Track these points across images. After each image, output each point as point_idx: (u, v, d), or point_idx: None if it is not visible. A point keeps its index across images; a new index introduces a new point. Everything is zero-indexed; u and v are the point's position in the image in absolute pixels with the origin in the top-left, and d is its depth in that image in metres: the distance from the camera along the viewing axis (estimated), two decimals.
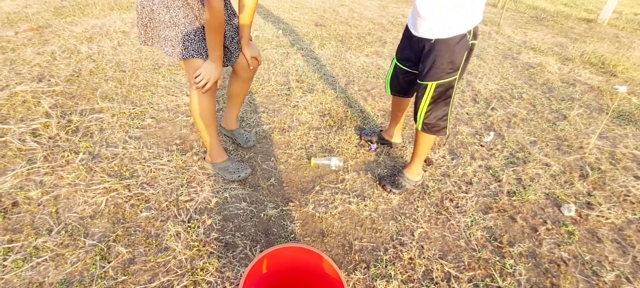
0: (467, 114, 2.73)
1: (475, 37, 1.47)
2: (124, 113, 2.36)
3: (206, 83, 1.55)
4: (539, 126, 2.60)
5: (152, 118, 2.34)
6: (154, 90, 2.71)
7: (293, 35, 4.40)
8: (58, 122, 2.19)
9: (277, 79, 3.11)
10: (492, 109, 2.82)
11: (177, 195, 1.75)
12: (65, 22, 4.18)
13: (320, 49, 3.97)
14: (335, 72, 3.36)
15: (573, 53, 4.41)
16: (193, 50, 1.52)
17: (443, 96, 1.55)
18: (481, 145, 2.31)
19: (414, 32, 1.60)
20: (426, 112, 1.60)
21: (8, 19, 4.16)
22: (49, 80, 2.69)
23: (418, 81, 1.60)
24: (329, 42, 4.23)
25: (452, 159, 2.16)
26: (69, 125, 2.18)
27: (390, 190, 1.84)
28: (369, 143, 2.26)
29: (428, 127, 1.65)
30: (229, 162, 1.90)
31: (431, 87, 1.53)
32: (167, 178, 1.84)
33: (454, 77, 1.50)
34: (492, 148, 2.29)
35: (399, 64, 1.79)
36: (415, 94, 1.67)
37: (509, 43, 4.81)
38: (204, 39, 1.55)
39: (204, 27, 1.55)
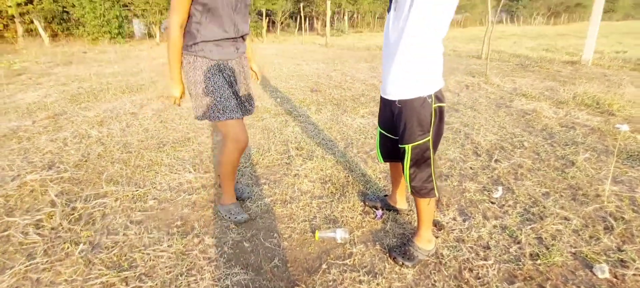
0: (470, 168, 2.66)
1: (439, 100, 1.56)
2: (127, 196, 2.34)
3: (174, 101, 1.82)
4: (548, 175, 2.52)
5: (154, 199, 2.31)
6: (157, 169, 2.72)
7: (290, 103, 4.48)
8: (62, 211, 2.17)
9: (276, 148, 3.09)
10: (496, 161, 2.75)
11: (176, 286, 1.61)
12: (80, 108, 4.33)
13: (317, 114, 4.01)
14: (333, 136, 3.35)
15: (565, 96, 4.46)
16: (219, 113, 1.78)
17: (422, 158, 1.60)
18: (492, 202, 2.21)
19: (382, 94, 1.71)
20: (410, 175, 1.64)
21: (28, 109, 4.34)
22: (58, 167, 2.74)
23: (398, 145, 1.66)
24: (325, 107, 4.28)
25: (464, 221, 2.04)
26: (73, 213, 2.15)
27: (402, 263, 1.71)
28: (374, 209, 2.17)
29: (416, 191, 1.66)
30: (233, 206, 2.08)
31: (408, 149, 1.59)
32: (166, 267, 1.72)
33: (427, 139, 1.57)
34: (503, 205, 2.18)
35: (382, 131, 1.85)
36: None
37: (499, 92, 4.89)
38: (236, 105, 1.83)
39: (235, 91, 1.87)
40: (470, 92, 4.91)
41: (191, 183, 2.50)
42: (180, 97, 1.82)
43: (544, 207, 2.13)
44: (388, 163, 2.09)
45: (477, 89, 5.07)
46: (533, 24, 39.13)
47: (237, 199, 2.28)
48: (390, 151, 1.86)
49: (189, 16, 1.67)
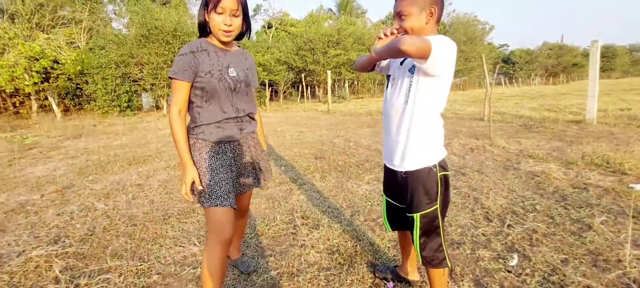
0: (483, 234, 2.56)
1: (444, 169, 1.58)
2: (131, 271, 2.28)
3: (185, 193, 1.63)
4: (565, 240, 2.41)
5: (158, 274, 2.24)
6: (162, 242, 2.67)
7: (294, 171, 4.49)
8: None
9: (282, 217, 3.04)
10: (509, 226, 2.66)
11: None
12: (87, 181, 4.38)
13: (322, 182, 4.00)
14: (339, 204, 3.31)
15: (573, 156, 4.42)
16: (213, 199, 1.63)
17: (431, 227, 1.58)
18: (508, 271, 2.09)
19: (387, 164, 1.72)
20: (421, 245, 1.61)
21: (37, 182, 4.41)
22: (64, 242, 2.72)
23: (406, 214, 1.64)
24: (330, 174, 4.28)
25: None
26: None
27: None
28: (385, 281, 2.06)
29: (428, 261, 1.62)
30: None
31: (417, 218, 1.58)
32: None
33: (435, 207, 1.56)
34: (520, 274, 2.06)
35: (388, 199, 1.85)
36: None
37: (505, 154, 4.88)
38: (227, 192, 1.66)
39: (235, 173, 1.77)
40: (476, 155, 4.91)
41: (196, 257, 2.43)
42: (193, 183, 1.64)
43: (564, 275, 2.01)
44: (396, 232, 2.03)
45: (483, 152, 5.07)
46: (532, 85, 40.20)
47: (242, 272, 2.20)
48: (398, 219, 1.83)
49: (190, 101, 1.67)
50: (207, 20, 1.61)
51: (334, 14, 37.46)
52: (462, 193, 3.41)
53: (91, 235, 2.84)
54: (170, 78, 1.59)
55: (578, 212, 2.84)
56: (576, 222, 2.67)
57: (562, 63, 46.53)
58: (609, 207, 2.89)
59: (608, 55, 53.34)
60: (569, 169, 3.94)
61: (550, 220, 2.72)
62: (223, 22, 1.56)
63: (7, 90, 13.30)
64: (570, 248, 2.31)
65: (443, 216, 1.60)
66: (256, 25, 35.74)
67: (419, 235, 1.59)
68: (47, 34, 16.30)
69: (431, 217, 1.56)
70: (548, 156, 4.56)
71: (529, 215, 2.82)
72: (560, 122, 7.54)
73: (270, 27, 34.15)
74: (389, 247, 2.48)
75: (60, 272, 2.28)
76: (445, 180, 1.58)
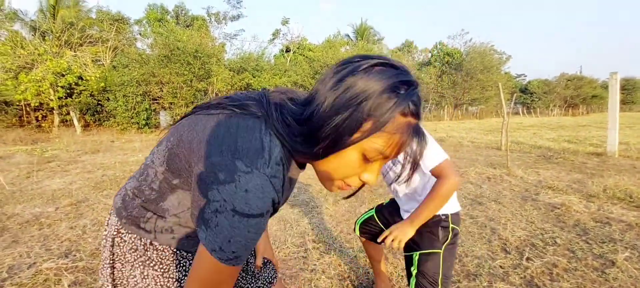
0: (500, 267, 2.48)
1: (455, 223, 1.56)
2: None
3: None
4: (587, 276, 2.31)
5: None
6: None
7: (307, 194, 4.48)
8: None
9: (293, 240, 3.02)
10: (528, 259, 2.57)
11: None
12: (102, 196, 4.45)
13: (334, 206, 3.97)
14: (351, 229, 3.26)
15: (595, 189, 4.29)
16: None
17: (429, 272, 1.55)
18: None
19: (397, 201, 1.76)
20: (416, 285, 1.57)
21: (53, 196, 4.49)
22: (74, 256, 2.73)
23: (404, 253, 1.65)
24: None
25: None
26: None
27: None
28: None
29: None
30: None
31: (415, 257, 1.56)
32: None
33: (438, 251, 1.52)
34: None
35: (375, 215, 1.90)
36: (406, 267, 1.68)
37: (523, 184, 4.76)
38: None
39: None
40: (493, 184, 4.81)
41: None
42: None
43: None
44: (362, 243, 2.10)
45: (500, 181, 4.96)
46: (550, 116, 39.52)
47: None
48: (372, 233, 1.90)
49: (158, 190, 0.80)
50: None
51: (351, 40, 38.09)
52: (478, 223, 3.33)
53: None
54: (221, 261, 0.66)
55: (601, 247, 2.73)
56: (599, 258, 2.56)
57: (581, 94, 45.67)
58: (632, 243, 2.76)
59: (628, 88, 52.25)
60: (590, 202, 3.81)
61: (572, 255, 2.62)
62: (361, 174, 0.74)
63: (32, 104, 13.88)
64: (592, 284, 2.21)
65: (445, 276, 1.50)
66: (274, 49, 36.60)
67: (415, 278, 1.54)
68: (75, 51, 17.08)
69: (433, 260, 1.50)
70: (568, 188, 4.43)
71: (549, 249, 2.72)
72: (580, 153, 7.34)
73: (288, 51, 34.89)
74: (401, 276, 2.42)
75: (69, 285, 2.30)
76: (454, 235, 1.55)
